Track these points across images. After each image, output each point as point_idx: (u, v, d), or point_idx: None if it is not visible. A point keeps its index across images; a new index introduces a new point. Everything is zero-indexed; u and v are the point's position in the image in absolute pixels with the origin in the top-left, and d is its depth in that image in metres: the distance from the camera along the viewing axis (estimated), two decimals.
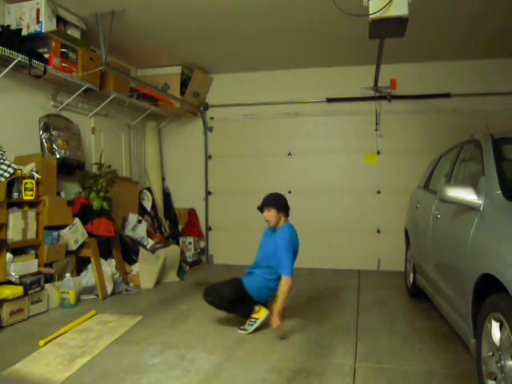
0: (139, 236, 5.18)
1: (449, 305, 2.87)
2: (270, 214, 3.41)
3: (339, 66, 6.01)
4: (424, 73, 5.82)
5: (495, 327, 1.99)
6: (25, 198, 3.72)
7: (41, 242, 3.86)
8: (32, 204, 3.82)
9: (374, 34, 3.35)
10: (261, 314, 3.33)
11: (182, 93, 5.98)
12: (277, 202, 3.44)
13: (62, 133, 4.49)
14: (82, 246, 4.27)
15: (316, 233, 6.15)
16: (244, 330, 3.28)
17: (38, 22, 3.94)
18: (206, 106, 6.54)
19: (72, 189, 4.65)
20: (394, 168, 5.89)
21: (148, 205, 5.97)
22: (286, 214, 3.49)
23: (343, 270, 5.79)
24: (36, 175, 3.80)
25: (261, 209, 3.50)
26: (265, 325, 3.31)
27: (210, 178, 6.57)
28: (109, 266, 4.51)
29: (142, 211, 5.78)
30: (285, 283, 3.15)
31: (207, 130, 6.56)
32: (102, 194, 4.56)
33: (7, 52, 3.60)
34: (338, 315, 3.72)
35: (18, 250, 3.69)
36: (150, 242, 5.19)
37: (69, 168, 4.53)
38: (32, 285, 3.61)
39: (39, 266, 3.79)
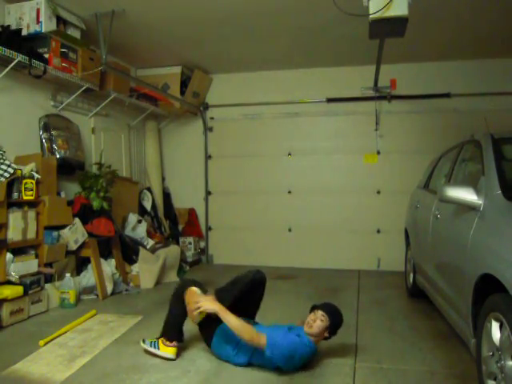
0: (139, 236, 5.18)
1: (449, 305, 2.87)
2: (321, 325, 2.63)
3: (339, 66, 6.01)
4: (424, 73, 5.82)
5: (495, 327, 1.99)
6: (25, 198, 3.71)
7: (41, 242, 3.86)
8: (32, 204, 3.82)
9: (374, 34, 3.35)
10: (167, 350, 2.79)
11: (182, 93, 5.98)
12: (336, 318, 2.72)
13: (62, 133, 4.49)
14: (82, 245, 4.27)
15: (316, 233, 6.16)
16: (143, 342, 2.89)
17: (38, 21, 3.93)
18: (206, 106, 6.54)
19: (72, 189, 4.65)
20: (394, 168, 5.89)
21: (148, 205, 5.97)
22: (330, 336, 2.72)
23: (343, 270, 5.79)
24: (36, 175, 3.80)
25: (314, 309, 2.75)
26: None
27: (210, 178, 6.57)
28: (109, 266, 4.52)
29: (142, 211, 5.78)
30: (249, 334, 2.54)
31: (207, 129, 6.56)
32: (101, 193, 4.56)
33: (7, 52, 3.60)
34: None
35: (18, 250, 3.69)
36: (150, 242, 5.19)
37: (69, 168, 4.52)
38: (32, 285, 3.61)
39: (39, 266, 3.79)
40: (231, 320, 2.55)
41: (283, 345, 2.52)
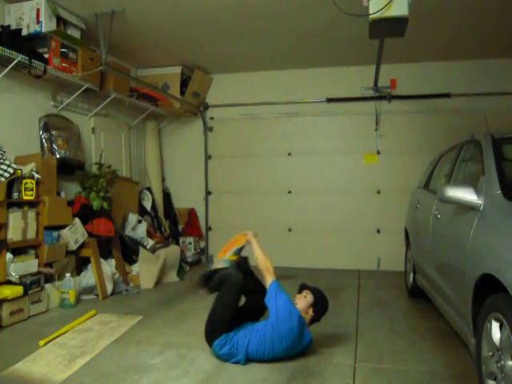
0: (139, 236, 5.18)
1: (449, 305, 2.87)
2: (305, 300, 2.84)
3: (339, 66, 6.01)
4: (424, 73, 5.82)
5: (495, 327, 1.99)
6: (25, 198, 3.71)
7: (41, 242, 3.86)
8: (32, 204, 3.82)
9: (374, 34, 3.34)
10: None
11: (182, 93, 5.98)
12: (320, 298, 2.88)
13: (62, 133, 4.49)
14: (82, 245, 4.27)
15: (316, 233, 6.16)
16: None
17: (38, 21, 3.94)
18: (206, 106, 6.54)
19: (72, 189, 4.65)
20: (394, 168, 5.89)
21: (148, 205, 5.97)
22: (314, 318, 2.86)
23: (343, 270, 5.80)
24: (36, 175, 3.80)
25: (301, 289, 2.97)
26: None
27: (210, 178, 6.57)
28: (109, 266, 4.52)
29: (142, 211, 5.78)
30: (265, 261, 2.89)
31: (207, 129, 6.56)
32: (102, 193, 4.56)
33: (7, 52, 3.60)
34: (338, 315, 3.71)
35: (18, 250, 3.69)
36: (150, 242, 5.19)
37: (69, 168, 4.52)
38: (32, 285, 3.61)
39: (39, 266, 3.80)
40: (260, 251, 2.96)
41: (283, 296, 2.73)
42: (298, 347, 2.75)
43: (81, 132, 4.86)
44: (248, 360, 2.71)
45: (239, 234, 3.18)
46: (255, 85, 6.34)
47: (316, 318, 2.87)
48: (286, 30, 4.77)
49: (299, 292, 2.95)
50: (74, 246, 4.16)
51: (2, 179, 3.49)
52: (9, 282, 3.50)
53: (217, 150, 6.55)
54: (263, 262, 2.89)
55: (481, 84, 5.62)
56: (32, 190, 3.75)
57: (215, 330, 2.75)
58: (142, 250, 4.99)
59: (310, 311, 2.82)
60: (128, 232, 5.13)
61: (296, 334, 2.67)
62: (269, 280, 2.81)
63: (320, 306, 2.87)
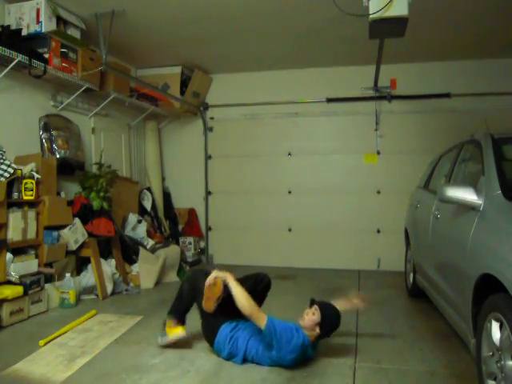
0: (139, 236, 5.18)
1: (449, 305, 2.87)
2: (312, 318, 2.66)
3: (339, 66, 6.01)
4: (424, 73, 5.82)
5: (495, 327, 1.99)
6: (25, 198, 3.72)
7: (41, 242, 3.86)
8: (32, 204, 3.82)
9: (374, 34, 3.35)
10: (175, 331, 2.93)
11: (182, 93, 5.98)
12: (328, 316, 2.70)
13: (62, 133, 4.49)
14: (82, 245, 4.27)
15: (316, 233, 6.16)
16: (159, 339, 2.97)
17: (38, 22, 3.94)
18: (206, 106, 6.55)
19: (72, 189, 4.65)
20: (394, 168, 5.89)
21: (148, 205, 5.97)
22: (323, 334, 2.71)
23: (343, 270, 5.79)
24: (36, 175, 3.80)
25: (312, 304, 2.81)
26: None
27: (210, 178, 6.58)
28: (109, 266, 4.52)
29: (142, 211, 5.78)
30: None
31: (207, 129, 6.56)
32: (102, 193, 4.56)
33: (7, 52, 3.60)
34: None
35: (18, 250, 3.69)
36: (150, 242, 5.19)
37: (69, 168, 4.53)
38: (32, 285, 3.61)
39: (39, 265, 3.80)
40: (238, 290, 2.64)
41: (281, 326, 2.59)
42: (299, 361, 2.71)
43: (81, 132, 4.87)
44: (245, 360, 2.71)
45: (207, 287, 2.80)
46: (255, 85, 6.34)
47: (324, 335, 2.73)
48: (286, 29, 4.77)
49: (310, 306, 2.78)
50: (73, 246, 4.17)
51: (2, 179, 3.49)
52: (9, 282, 3.50)
53: (217, 150, 6.55)
54: (248, 308, 2.60)
55: (480, 84, 5.62)
56: (32, 190, 3.75)
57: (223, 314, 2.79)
58: (142, 250, 4.99)
59: (317, 329, 2.66)
60: (128, 232, 5.13)
61: (300, 353, 2.63)
62: (262, 319, 2.57)
63: (328, 324, 2.70)
